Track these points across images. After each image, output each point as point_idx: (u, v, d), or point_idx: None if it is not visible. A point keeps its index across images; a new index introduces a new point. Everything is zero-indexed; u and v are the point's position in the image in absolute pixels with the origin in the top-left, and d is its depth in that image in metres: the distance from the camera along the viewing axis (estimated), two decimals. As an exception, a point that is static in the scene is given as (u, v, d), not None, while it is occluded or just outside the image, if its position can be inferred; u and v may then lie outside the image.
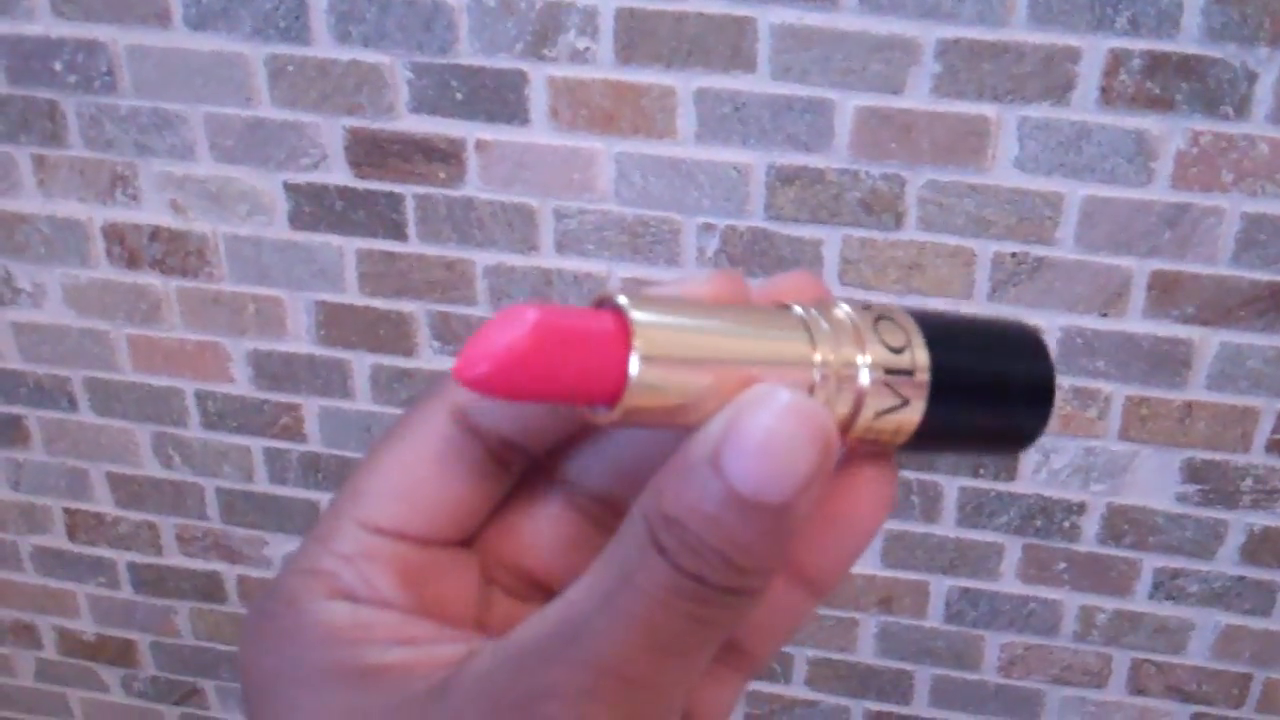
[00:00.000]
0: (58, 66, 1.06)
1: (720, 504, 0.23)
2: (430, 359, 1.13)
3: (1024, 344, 0.28)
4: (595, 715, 0.23)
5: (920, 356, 0.25)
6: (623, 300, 0.23)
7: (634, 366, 0.22)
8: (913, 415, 0.25)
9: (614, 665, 0.23)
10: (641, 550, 0.23)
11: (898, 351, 0.25)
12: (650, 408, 0.23)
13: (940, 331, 0.26)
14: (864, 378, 0.24)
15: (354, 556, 0.26)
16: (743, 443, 0.23)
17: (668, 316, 0.23)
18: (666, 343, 0.23)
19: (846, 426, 0.25)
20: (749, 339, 0.24)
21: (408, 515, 0.27)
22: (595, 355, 0.22)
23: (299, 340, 1.15)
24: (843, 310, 0.25)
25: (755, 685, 1.26)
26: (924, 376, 0.25)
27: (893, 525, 1.14)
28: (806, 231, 1.01)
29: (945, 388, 0.25)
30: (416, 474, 0.27)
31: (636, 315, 0.22)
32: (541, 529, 0.29)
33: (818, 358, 0.24)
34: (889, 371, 0.25)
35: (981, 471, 1.10)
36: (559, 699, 0.23)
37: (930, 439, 0.26)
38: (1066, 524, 1.11)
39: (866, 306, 0.25)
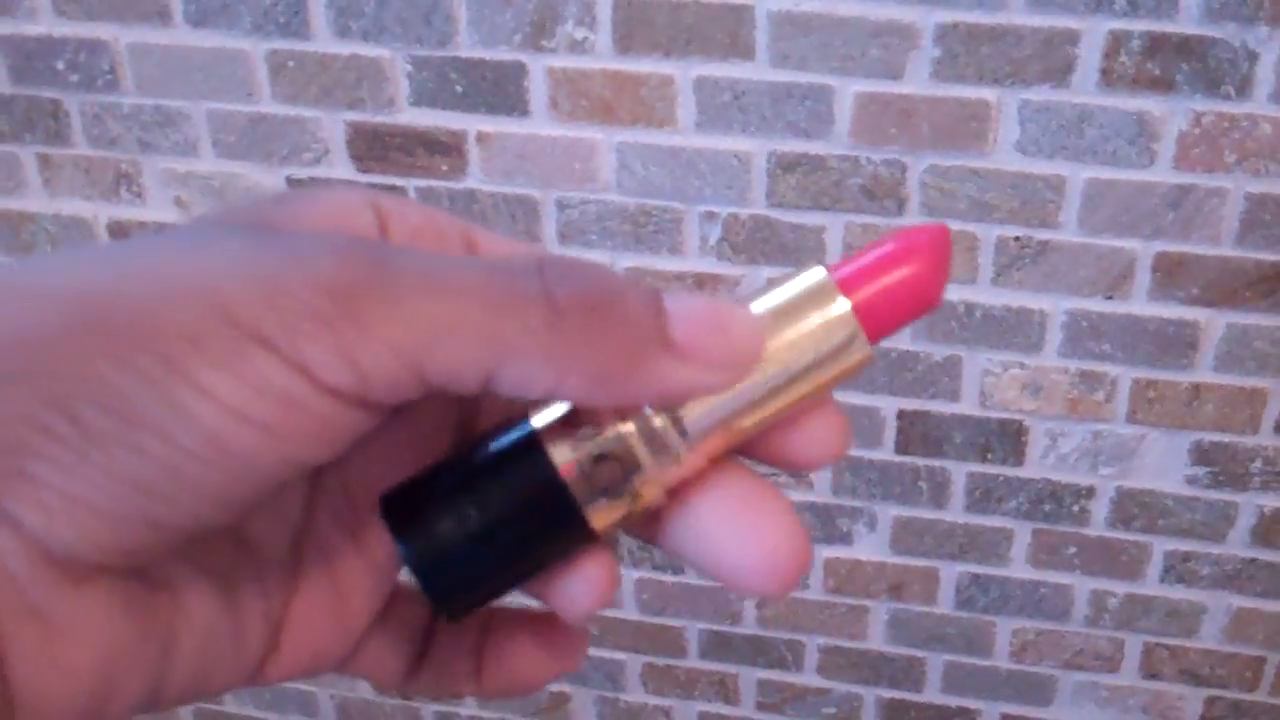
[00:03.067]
0: (60, 65, 1.07)
1: (640, 291, 0.24)
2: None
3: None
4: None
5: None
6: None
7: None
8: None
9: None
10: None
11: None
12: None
13: None
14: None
15: (436, 216, 0.28)
16: (696, 300, 0.25)
17: None
18: None
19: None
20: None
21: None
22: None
23: (305, 335, 1.15)
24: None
25: (766, 674, 1.26)
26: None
27: (901, 511, 1.14)
28: (809, 219, 1.01)
29: None
30: None
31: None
32: None
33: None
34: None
35: (989, 456, 1.09)
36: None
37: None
38: (1076, 508, 1.11)
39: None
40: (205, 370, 0.21)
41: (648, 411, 0.25)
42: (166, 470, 0.21)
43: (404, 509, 0.26)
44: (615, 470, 0.25)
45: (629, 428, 0.25)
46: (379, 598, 0.29)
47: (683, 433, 0.25)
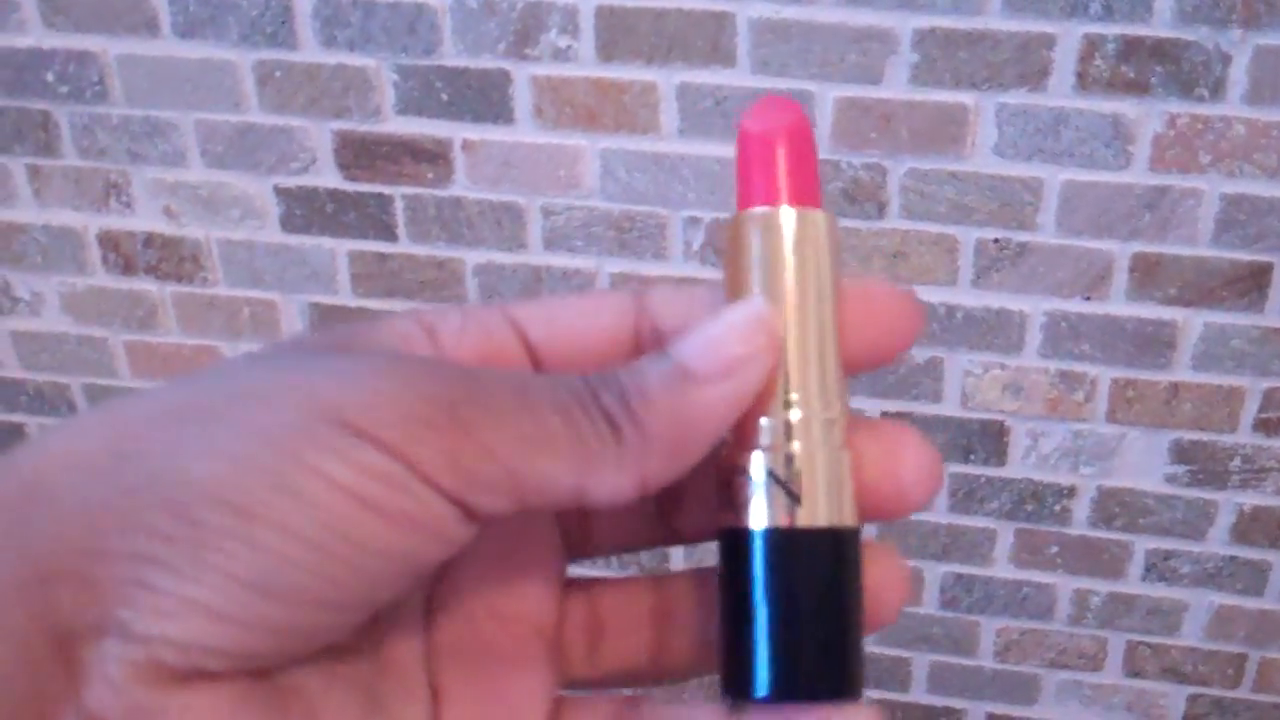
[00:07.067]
0: (49, 77, 1.08)
1: (656, 361, 0.25)
2: (424, 358, 1.14)
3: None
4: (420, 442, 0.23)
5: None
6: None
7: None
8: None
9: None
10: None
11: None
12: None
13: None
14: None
15: (474, 312, 0.28)
16: (694, 333, 0.26)
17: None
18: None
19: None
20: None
21: (547, 325, 0.28)
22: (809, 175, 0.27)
23: (294, 343, 1.16)
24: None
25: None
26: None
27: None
28: (791, 223, 1.02)
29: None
30: (575, 306, 0.29)
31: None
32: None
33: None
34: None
35: (971, 457, 1.10)
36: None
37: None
38: (1057, 508, 1.12)
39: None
40: (316, 454, 0.22)
41: (763, 423, 0.26)
42: (281, 563, 0.21)
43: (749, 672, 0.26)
44: (784, 483, 0.26)
45: (759, 456, 0.26)
46: (546, 702, 0.29)
47: (803, 400, 0.26)
